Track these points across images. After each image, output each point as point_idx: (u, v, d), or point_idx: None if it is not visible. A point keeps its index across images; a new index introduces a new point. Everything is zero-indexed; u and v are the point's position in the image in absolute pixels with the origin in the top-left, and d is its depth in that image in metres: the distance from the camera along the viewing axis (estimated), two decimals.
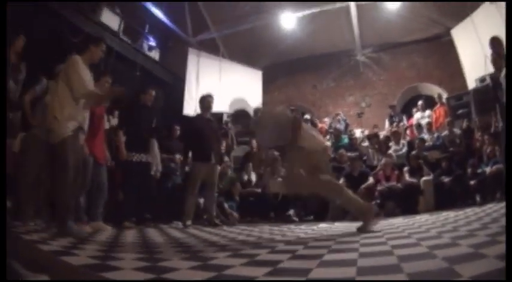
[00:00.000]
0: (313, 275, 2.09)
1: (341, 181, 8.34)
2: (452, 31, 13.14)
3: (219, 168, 7.65)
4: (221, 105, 12.72)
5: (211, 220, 7.23)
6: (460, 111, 11.26)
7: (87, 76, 4.87)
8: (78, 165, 4.77)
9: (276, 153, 7.54)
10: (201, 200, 7.81)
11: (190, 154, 7.53)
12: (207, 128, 7.40)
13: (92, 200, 5.93)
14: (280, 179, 8.88)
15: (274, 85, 16.54)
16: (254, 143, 10.81)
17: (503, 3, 10.66)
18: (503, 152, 6.53)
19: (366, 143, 11.08)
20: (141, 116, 7.09)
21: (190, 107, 12.85)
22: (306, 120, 12.36)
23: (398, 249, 2.69)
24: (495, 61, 6.77)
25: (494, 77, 6.83)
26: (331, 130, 12.56)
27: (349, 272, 2.07)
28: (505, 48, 6.08)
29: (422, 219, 5.72)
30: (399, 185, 8.50)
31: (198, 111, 7.88)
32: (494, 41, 6.19)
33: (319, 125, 13.03)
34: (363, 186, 8.26)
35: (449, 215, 5.99)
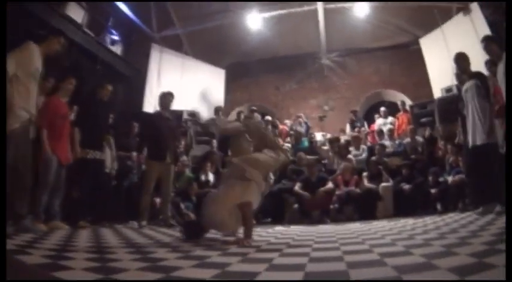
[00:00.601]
0: (260, 278, 2.12)
1: (298, 185, 8.44)
2: (420, 40, 13.46)
3: (174, 167, 7.59)
4: (182, 103, 12.81)
5: (166, 220, 7.15)
6: (423, 120, 11.51)
7: (36, 63, 4.86)
8: (26, 161, 4.72)
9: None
10: (158, 200, 7.69)
11: (145, 152, 7.49)
12: (164, 126, 7.33)
13: (49, 198, 5.84)
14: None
15: (237, 84, 16.55)
16: (214, 142, 10.81)
17: (478, 15, 11.01)
18: (465, 163, 6.80)
19: (326, 147, 11.15)
20: (97, 111, 6.98)
21: (150, 104, 12.71)
22: (268, 121, 12.55)
23: (350, 255, 2.71)
24: (458, 76, 6.99)
25: (459, 88, 7.00)
26: (291, 132, 12.61)
27: (296, 277, 2.10)
28: (470, 64, 6.31)
29: (379, 225, 5.78)
30: (358, 190, 8.59)
31: (158, 108, 7.82)
32: (460, 58, 6.38)
33: (280, 127, 13.13)
34: (322, 189, 8.25)
35: (407, 222, 6.07)
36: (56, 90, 6.17)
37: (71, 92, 6.29)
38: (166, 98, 7.54)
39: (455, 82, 8.96)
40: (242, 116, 12.72)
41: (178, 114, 11.89)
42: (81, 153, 6.59)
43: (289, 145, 11.46)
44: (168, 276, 2.23)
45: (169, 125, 7.49)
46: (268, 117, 13.32)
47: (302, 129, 12.67)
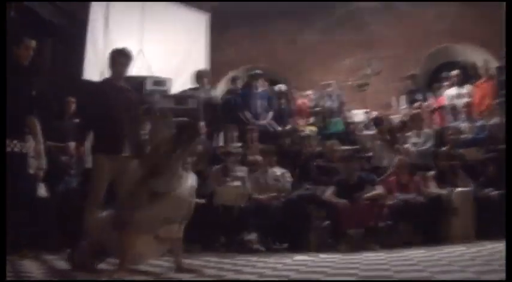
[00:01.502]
0: None
1: (330, 191, 8.49)
2: None
3: (136, 162, 7.41)
4: (143, 67, 12.69)
5: None
6: None
7: None
8: None
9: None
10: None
11: (90, 141, 7.43)
12: (118, 100, 7.19)
13: None
14: (236, 183, 8.90)
15: (229, 36, 16.56)
16: (201, 126, 10.72)
17: None
18: None
19: (370, 131, 11.14)
20: (13, 82, 6.70)
21: (95, 68, 12.58)
22: (279, 93, 12.61)
23: None
24: None
25: None
26: (317, 109, 12.63)
27: None
28: None
29: (455, 254, 5.76)
30: (421, 198, 8.50)
31: (107, 75, 7.69)
32: None
33: (299, 101, 13.17)
34: (367, 195, 8.27)
35: (496, 248, 6.03)
36: None
37: None
38: (118, 60, 7.32)
39: None
40: (239, 85, 12.77)
41: (139, 82, 11.72)
42: None
43: (313, 129, 11.45)
44: None
45: (125, 98, 7.37)
46: (281, 87, 13.20)
47: (332, 105, 12.63)
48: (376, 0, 14.67)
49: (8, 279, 1.93)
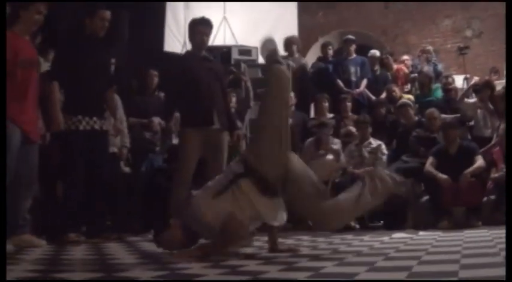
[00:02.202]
0: None
1: (430, 162, 8.10)
2: None
3: (227, 136, 7.30)
4: (227, 36, 12.40)
5: None
6: None
7: None
8: None
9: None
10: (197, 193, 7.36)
11: (177, 116, 7.38)
12: (204, 71, 7.05)
13: (12, 199, 5.58)
14: (330, 157, 8.73)
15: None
16: (291, 97, 10.42)
17: None
18: None
19: (472, 99, 10.62)
20: (88, 54, 6.69)
21: (176, 41, 12.51)
22: (374, 60, 12.30)
23: None
24: None
25: None
26: (414, 74, 12.24)
27: None
28: None
29: None
30: None
31: (188, 47, 7.69)
32: None
33: (395, 67, 12.79)
34: (468, 170, 7.81)
35: None
36: (13, 21, 5.81)
37: (39, 25, 6.06)
38: (197, 30, 7.15)
39: None
40: (330, 52, 12.51)
41: (224, 52, 11.65)
42: (65, 123, 6.36)
43: (410, 97, 11.11)
44: None
45: (211, 68, 7.22)
46: (375, 52, 12.88)
47: (431, 70, 12.15)
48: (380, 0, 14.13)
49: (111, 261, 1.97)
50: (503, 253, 3.61)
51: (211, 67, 7.21)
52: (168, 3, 13.24)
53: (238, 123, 9.05)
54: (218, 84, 7.19)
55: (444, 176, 7.75)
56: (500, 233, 5.57)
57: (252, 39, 13.13)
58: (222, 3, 13.66)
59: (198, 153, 6.84)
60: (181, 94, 6.99)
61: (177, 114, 7.49)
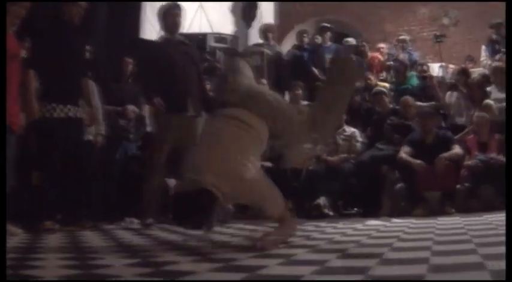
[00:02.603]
0: None
1: (405, 150, 8.16)
2: None
3: (200, 122, 7.27)
4: (203, 23, 12.40)
5: None
6: None
7: None
8: None
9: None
10: (171, 182, 7.31)
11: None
12: (179, 55, 7.12)
13: None
14: (307, 146, 8.63)
15: None
16: (263, 82, 10.42)
17: None
18: None
19: (447, 86, 10.74)
20: (65, 42, 6.68)
21: (152, 27, 12.44)
22: (349, 47, 12.42)
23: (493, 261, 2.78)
24: None
25: None
26: (390, 62, 12.35)
27: None
28: None
29: None
30: (502, 157, 8.07)
31: (162, 33, 7.68)
32: None
33: (370, 55, 12.87)
34: (444, 155, 7.90)
35: None
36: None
37: (21, 18, 6.06)
38: (169, 14, 7.23)
39: None
40: (306, 40, 12.58)
41: (200, 40, 11.73)
42: (42, 111, 6.39)
43: (386, 84, 11.21)
44: None
45: (186, 52, 7.28)
46: (350, 40, 13.07)
47: (407, 58, 12.28)
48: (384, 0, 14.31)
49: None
50: (475, 240, 3.73)
51: (186, 51, 7.27)
52: None
53: None
54: (194, 68, 7.26)
55: (418, 161, 7.83)
56: (473, 220, 5.86)
57: (228, 27, 13.21)
58: None
59: (172, 138, 6.86)
60: (156, 80, 6.99)
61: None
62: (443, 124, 9.43)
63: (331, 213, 8.13)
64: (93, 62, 7.35)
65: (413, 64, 12.15)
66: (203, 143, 4.55)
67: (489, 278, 2.33)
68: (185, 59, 7.12)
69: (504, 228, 4.42)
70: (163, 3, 7.55)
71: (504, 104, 9.32)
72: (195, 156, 4.25)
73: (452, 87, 10.21)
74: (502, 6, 13.57)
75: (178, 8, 7.26)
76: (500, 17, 13.16)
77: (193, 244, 4.66)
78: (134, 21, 13.03)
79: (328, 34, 12.62)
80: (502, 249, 3.05)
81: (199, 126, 7.05)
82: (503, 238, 3.69)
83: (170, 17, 7.18)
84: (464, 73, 10.63)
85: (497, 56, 11.83)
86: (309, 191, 8.45)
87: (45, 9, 7.36)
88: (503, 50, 11.90)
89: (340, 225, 6.32)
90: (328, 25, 13.20)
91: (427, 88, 10.55)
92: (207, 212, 4.15)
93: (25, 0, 5.75)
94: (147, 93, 7.40)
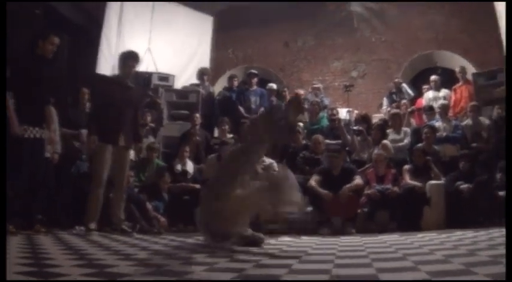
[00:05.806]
0: None
1: (314, 179, 8.39)
2: None
3: (130, 153, 7.81)
4: (151, 63, 12.73)
5: (117, 224, 7.35)
6: (490, 93, 11.33)
7: None
8: None
9: None
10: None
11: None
12: (121, 95, 7.44)
13: None
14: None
15: (229, 38, 16.58)
16: (197, 117, 10.82)
17: None
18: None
19: (352, 128, 11.07)
20: (37, 72, 6.87)
21: (108, 63, 12.57)
22: (271, 91, 12.83)
23: (388, 273, 2.88)
24: None
25: None
26: (306, 105, 12.42)
27: None
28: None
29: (426, 238, 5.81)
30: (396, 188, 8.55)
31: (116, 71, 7.96)
32: None
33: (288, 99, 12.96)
34: (348, 186, 8.17)
35: (465, 235, 6.08)
36: None
37: None
38: (127, 62, 7.58)
39: None
40: (235, 83, 12.91)
41: (146, 78, 11.98)
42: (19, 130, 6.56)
43: (301, 124, 11.41)
44: None
45: (128, 95, 7.59)
46: (272, 85, 13.41)
47: (319, 103, 12.58)
48: (378, 0, 14.62)
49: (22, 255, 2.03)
50: (372, 256, 3.97)
51: (130, 95, 7.60)
52: (104, 29, 13.32)
53: (152, 139, 9.51)
54: (131, 110, 7.63)
55: (325, 191, 8.07)
56: (371, 239, 6.10)
57: (171, 68, 13.57)
58: (148, 35, 13.89)
59: (108, 163, 7.23)
60: (100, 112, 7.35)
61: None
62: (348, 159, 9.70)
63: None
64: (56, 91, 7.57)
65: (324, 108, 12.48)
66: None
67: None
68: (125, 103, 7.45)
69: (396, 247, 4.77)
70: (127, 50, 7.87)
71: (399, 144, 10.02)
72: None
73: (359, 132, 10.68)
74: (405, 62, 14.45)
75: (136, 60, 7.58)
76: (398, 74, 14.08)
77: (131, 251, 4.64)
78: (93, 56, 12.69)
79: (255, 79, 12.82)
80: (395, 264, 3.38)
81: (127, 156, 7.60)
82: (396, 254, 4.05)
83: (127, 67, 7.50)
84: (364, 119, 11.23)
85: (394, 105, 12.39)
86: None
87: (24, 42, 7.65)
88: (399, 99, 12.65)
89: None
90: (255, 72, 13.37)
91: (335, 129, 10.87)
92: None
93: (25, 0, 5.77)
94: (89, 122, 7.65)
